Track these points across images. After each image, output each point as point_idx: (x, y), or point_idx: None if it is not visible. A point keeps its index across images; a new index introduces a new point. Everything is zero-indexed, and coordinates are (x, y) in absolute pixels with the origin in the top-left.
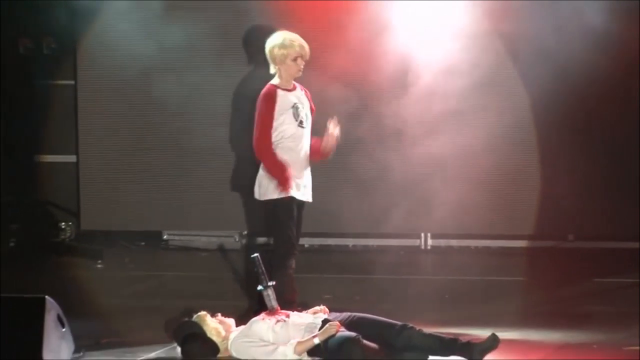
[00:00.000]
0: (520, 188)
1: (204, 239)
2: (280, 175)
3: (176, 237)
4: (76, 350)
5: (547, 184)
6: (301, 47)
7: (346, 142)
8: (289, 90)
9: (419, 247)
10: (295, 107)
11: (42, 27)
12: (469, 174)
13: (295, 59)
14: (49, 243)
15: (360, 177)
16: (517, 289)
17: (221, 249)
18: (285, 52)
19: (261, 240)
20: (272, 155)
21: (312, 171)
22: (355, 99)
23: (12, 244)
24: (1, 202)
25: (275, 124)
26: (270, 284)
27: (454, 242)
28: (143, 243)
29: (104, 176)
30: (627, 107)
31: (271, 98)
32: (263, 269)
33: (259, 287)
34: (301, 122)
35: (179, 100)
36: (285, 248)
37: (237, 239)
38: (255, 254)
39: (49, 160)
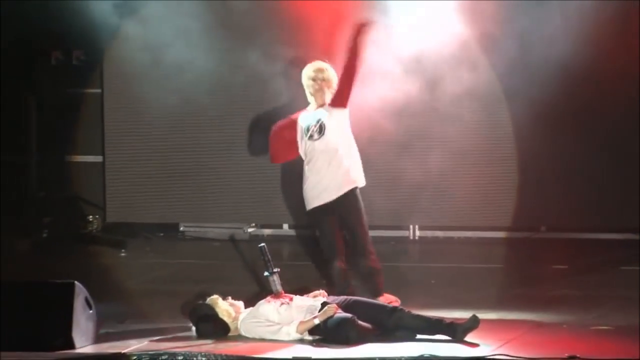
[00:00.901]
0: (497, 185)
1: (216, 230)
2: None
3: (191, 229)
4: (102, 330)
5: (522, 181)
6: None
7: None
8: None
9: (408, 237)
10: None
11: (72, 41)
12: (453, 173)
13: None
14: (78, 234)
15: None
16: (495, 275)
17: (231, 239)
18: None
19: (267, 231)
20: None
21: None
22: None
23: (45, 235)
24: (36, 198)
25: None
26: (275, 270)
27: (439, 233)
28: (162, 234)
29: (127, 174)
30: (598, 105)
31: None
32: (269, 257)
33: (265, 273)
34: (311, 136)
35: (193, 108)
36: (326, 254)
37: (245, 231)
38: (262, 244)
39: (78, 160)
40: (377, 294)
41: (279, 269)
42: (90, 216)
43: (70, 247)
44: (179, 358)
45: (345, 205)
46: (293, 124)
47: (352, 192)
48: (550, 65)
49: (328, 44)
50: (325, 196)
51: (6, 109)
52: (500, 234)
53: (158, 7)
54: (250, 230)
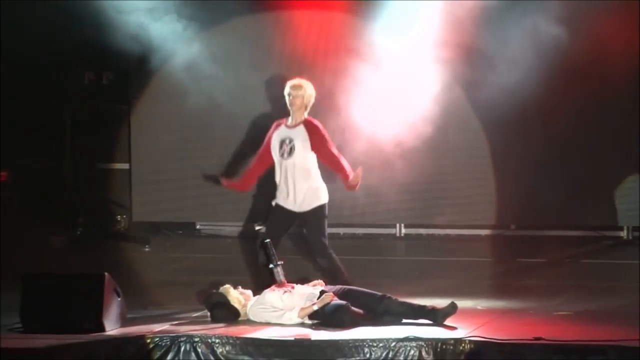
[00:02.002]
0: (472, 187)
1: (228, 228)
2: None
3: (206, 227)
4: (129, 315)
5: (495, 186)
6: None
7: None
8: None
9: (394, 234)
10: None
11: (102, 63)
12: (435, 177)
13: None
14: (108, 232)
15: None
16: (470, 267)
17: (241, 236)
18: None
19: None
20: None
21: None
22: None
23: (79, 233)
24: (70, 200)
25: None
26: (278, 263)
27: (422, 231)
28: (180, 231)
29: (150, 179)
30: (566, 108)
31: None
32: (273, 251)
33: (270, 265)
34: (282, 154)
35: (206, 122)
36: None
37: (254, 228)
38: (267, 240)
39: (107, 167)
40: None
41: (282, 262)
42: (118, 216)
43: (100, 243)
44: (196, 339)
45: (310, 218)
46: (268, 143)
47: (319, 208)
48: (520, 72)
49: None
50: (288, 204)
51: (45, 122)
52: (475, 231)
53: (177, 31)
54: (258, 228)
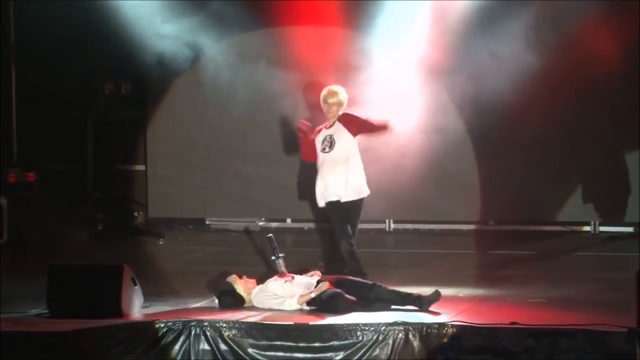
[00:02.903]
0: (454, 186)
1: (234, 224)
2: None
3: (215, 222)
4: (144, 302)
5: (475, 184)
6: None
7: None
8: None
9: (384, 229)
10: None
11: (121, 75)
12: (422, 176)
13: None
14: (126, 227)
15: None
16: (453, 258)
17: (246, 231)
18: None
19: (274, 224)
20: None
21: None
22: None
23: (100, 228)
24: (92, 198)
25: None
26: (280, 255)
27: (409, 226)
28: (191, 226)
29: (164, 179)
30: (541, 106)
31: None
32: (275, 244)
33: (273, 258)
34: (324, 149)
35: (215, 127)
36: (337, 235)
37: (257, 223)
38: (270, 234)
39: (126, 168)
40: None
41: (283, 254)
42: (136, 213)
43: (119, 238)
44: (205, 324)
45: (350, 210)
46: (315, 135)
47: (359, 201)
48: (502, 72)
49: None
50: (328, 196)
51: (69, 129)
52: (457, 226)
53: (187, 48)
54: (260, 223)
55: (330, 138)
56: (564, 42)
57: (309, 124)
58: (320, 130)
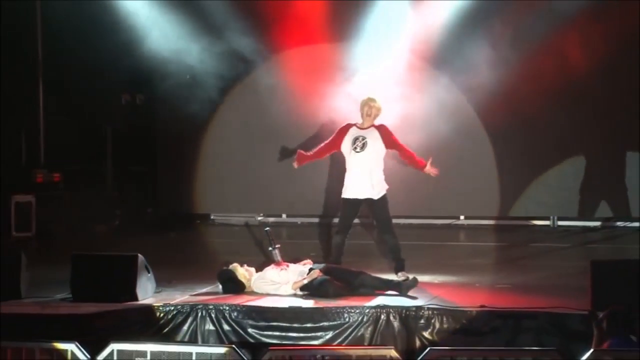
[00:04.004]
0: (431, 184)
1: (235, 218)
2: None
3: (219, 217)
4: (157, 287)
5: (451, 180)
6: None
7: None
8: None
9: (371, 223)
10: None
11: (136, 87)
12: (400, 175)
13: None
14: (140, 221)
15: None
16: (428, 249)
17: (246, 224)
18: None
19: (271, 219)
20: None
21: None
22: None
23: (117, 222)
24: (111, 196)
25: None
26: (276, 246)
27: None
28: (198, 221)
29: (173, 179)
30: (513, 105)
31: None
32: (272, 237)
33: (270, 248)
34: (355, 148)
35: (218, 131)
36: (337, 228)
37: (256, 218)
38: (267, 228)
39: (140, 169)
40: (397, 259)
41: (279, 245)
42: (149, 209)
43: (135, 231)
44: (210, 307)
45: (380, 202)
46: (338, 139)
47: (382, 198)
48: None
49: None
50: (350, 193)
51: (91, 134)
52: (433, 221)
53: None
54: (259, 218)
55: (363, 140)
56: (545, 42)
57: (305, 154)
58: (349, 127)
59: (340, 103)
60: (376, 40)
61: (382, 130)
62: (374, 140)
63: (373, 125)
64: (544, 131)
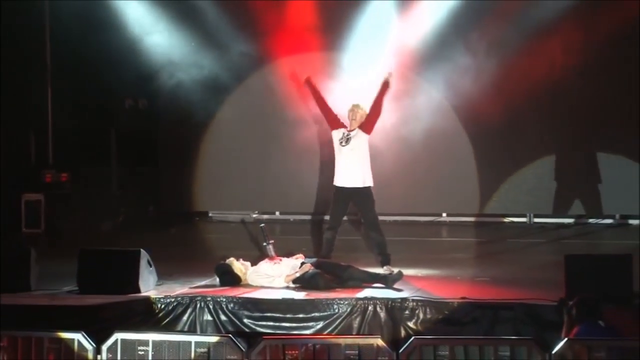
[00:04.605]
0: (413, 185)
1: (232, 215)
2: None
3: (216, 214)
4: (158, 280)
5: (433, 179)
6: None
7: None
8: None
9: (359, 220)
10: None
11: (138, 92)
12: (390, 176)
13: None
14: (143, 218)
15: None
16: (412, 245)
17: (242, 221)
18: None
19: (265, 216)
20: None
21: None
22: None
23: (121, 219)
24: (115, 195)
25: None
26: (270, 242)
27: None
28: (197, 218)
29: (173, 179)
30: (492, 108)
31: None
32: (266, 233)
33: (264, 244)
34: (341, 142)
35: (214, 133)
36: (329, 222)
37: (251, 215)
38: (262, 224)
39: (142, 170)
40: (382, 254)
41: (273, 241)
42: (151, 207)
43: (138, 228)
44: (208, 299)
45: (360, 196)
46: (337, 125)
47: (365, 189)
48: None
49: None
50: (341, 181)
51: (96, 137)
52: (416, 218)
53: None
54: (254, 215)
55: (348, 135)
56: (522, 47)
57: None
58: (341, 126)
59: (332, 104)
60: (364, 47)
61: (362, 124)
62: (358, 138)
63: (357, 127)
64: (521, 133)
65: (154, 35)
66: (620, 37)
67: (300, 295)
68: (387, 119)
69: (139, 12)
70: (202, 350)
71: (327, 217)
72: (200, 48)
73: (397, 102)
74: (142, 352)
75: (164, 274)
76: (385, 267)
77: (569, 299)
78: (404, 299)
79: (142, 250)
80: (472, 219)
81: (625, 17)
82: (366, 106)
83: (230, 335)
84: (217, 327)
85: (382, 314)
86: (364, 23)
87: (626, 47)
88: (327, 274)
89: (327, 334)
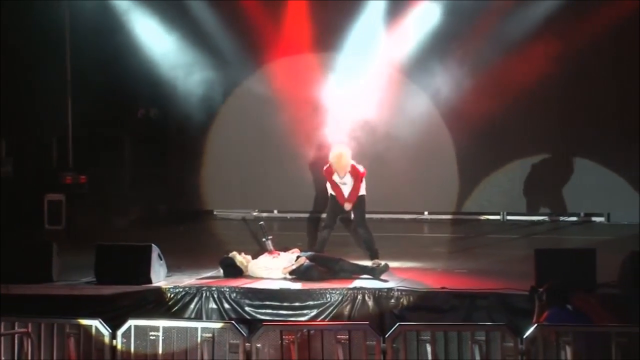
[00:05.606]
0: (398, 185)
1: (234, 213)
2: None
3: (220, 212)
4: (168, 272)
5: (416, 181)
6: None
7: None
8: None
9: (349, 218)
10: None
11: (150, 102)
12: (377, 177)
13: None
14: (154, 216)
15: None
16: (397, 240)
17: (243, 219)
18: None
19: (264, 214)
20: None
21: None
22: None
23: (134, 218)
24: (129, 195)
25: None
26: (269, 237)
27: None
28: (203, 216)
29: (182, 180)
30: (474, 115)
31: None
32: (265, 229)
33: (263, 239)
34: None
35: (216, 139)
36: (325, 221)
37: (252, 213)
38: (262, 222)
39: (153, 172)
40: (370, 248)
41: (271, 237)
42: (161, 206)
43: (149, 224)
44: (213, 289)
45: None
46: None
47: (359, 197)
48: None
49: None
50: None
51: (111, 143)
52: (401, 216)
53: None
54: (254, 213)
55: (342, 181)
56: (506, 54)
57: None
58: (332, 173)
59: (326, 106)
60: (354, 57)
61: (353, 174)
62: (350, 177)
63: (348, 172)
64: (500, 137)
65: (165, 50)
66: (598, 46)
67: (297, 285)
68: (374, 123)
69: (150, 32)
70: (208, 335)
71: (322, 215)
72: (202, 56)
73: (384, 109)
74: (154, 337)
75: (173, 267)
76: (373, 261)
77: (539, 287)
78: (390, 289)
79: (153, 245)
80: (450, 216)
81: (602, 25)
82: (348, 155)
83: (233, 321)
84: (221, 315)
85: (370, 303)
86: (355, 32)
87: (604, 55)
88: (320, 266)
89: (320, 321)
